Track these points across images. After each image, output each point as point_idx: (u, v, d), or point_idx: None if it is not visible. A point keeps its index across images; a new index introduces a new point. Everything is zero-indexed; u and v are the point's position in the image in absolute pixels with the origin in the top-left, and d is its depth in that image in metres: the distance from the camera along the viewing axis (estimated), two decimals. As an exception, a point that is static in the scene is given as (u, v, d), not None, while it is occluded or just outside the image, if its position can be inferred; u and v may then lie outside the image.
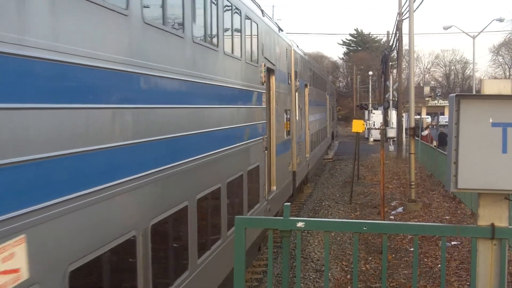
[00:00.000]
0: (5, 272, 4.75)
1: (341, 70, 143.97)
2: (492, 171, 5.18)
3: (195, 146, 10.11)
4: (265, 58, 17.48)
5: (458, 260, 16.48)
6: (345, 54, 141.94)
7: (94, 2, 6.34)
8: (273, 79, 18.97)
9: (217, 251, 11.54)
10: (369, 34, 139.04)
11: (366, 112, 74.22)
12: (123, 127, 7.22)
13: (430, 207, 24.43)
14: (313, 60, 42.94)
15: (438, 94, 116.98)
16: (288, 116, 22.84)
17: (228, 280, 11.26)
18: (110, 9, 6.75)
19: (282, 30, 22.62)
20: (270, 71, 18.47)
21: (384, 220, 20.12)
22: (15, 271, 4.91)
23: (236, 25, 13.79)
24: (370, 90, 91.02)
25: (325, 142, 48.47)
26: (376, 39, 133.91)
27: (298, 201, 27.36)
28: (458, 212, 22.96)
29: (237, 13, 13.75)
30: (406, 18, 32.57)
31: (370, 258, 17.54)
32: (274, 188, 19.15)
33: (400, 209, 24.49)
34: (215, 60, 11.84)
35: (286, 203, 5.66)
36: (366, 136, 68.99)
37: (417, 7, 30.23)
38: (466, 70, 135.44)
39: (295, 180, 24.80)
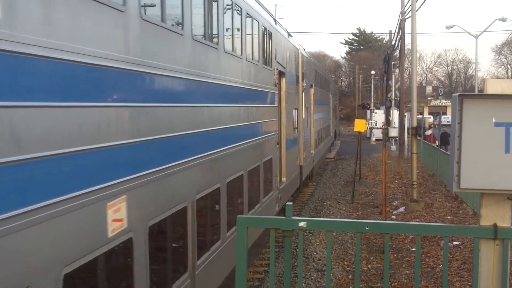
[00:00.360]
0: (115, 220, 6.76)
1: (343, 69, 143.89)
2: (495, 171, 5.17)
3: (223, 138, 12.29)
4: (277, 62, 19.59)
5: (460, 260, 16.46)
6: (347, 53, 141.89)
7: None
8: (283, 81, 20.95)
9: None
10: (372, 33, 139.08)
11: (368, 111, 74.23)
12: (199, 120, 10.38)
13: (432, 207, 24.41)
14: (316, 59, 43.43)
15: (440, 94, 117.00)
16: (296, 114, 24.64)
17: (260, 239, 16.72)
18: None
19: (291, 36, 25.26)
20: (281, 74, 20.44)
21: (385, 220, 20.10)
22: (120, 220, 6.95)
23: (255, 34, 16.01)
24: (372, 89, 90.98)
25: (328, 140, 50.13)
26: (378, 38, 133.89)
27: (300, 201, 27.36)
28: (460, 212, 22.95)
29: (256, 23, 15.93)
30: (409, 17, 32.56)
31: (372, 258, 17.53)
32: (284, 179, 21.20)
33: (402, 209, 24.47)
34: (241, 66, 14.23)
35: (288, 203, 5.65)
36: (368, 135, 68.98)
37: (420, 7, 30.30)
38: (469, 70, 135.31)
39: (301, 174, 26.72)
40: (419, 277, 5.69)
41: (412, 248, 18.05)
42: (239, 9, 13.77)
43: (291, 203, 5.69)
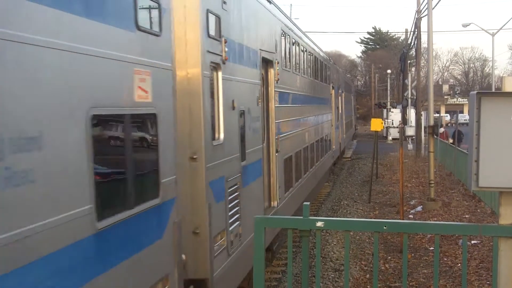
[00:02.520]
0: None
1: (359, 68, 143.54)
2: (514, 169, 5.13)
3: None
4: (332, 82, 34.45)
5: (478, 259, 16.37)
6: (363, 52, 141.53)
7: None
8: (333, 92, 35.30)
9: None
10: (387, 32, 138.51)
11: (385, 110, 73.94)
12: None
13: (450, 205, 24.28)
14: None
15: (457, 92, 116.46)
16: (338, 109, 39.53)
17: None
18: None
19: (331, 61, 35.84)
20: (334, 88, 35.61)
21: (403, 219, 20.02)
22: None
23: (325, 66, 29.67)
24: (388, 88, 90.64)
25: (352, 130, 65.31)
26: (394, 37, 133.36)
27: (317, 200, 27.31)
28: (478, 210, 22.81)
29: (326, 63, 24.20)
30: (425, 15, 32.41)
31: (389, 257, 17.46)
32: (333, 147, 35.08)
33: (419, 208, 24.37)
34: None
35: (305, 203, 5.64)
36: (384, 134, 68.71)
37: (436, 5, 30.31)
38: (485, 68, 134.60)
39: (340, 147, 41.78)
40: (438, 276, 5.66)
41: (430, 247, 17.96)
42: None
43: (308, 203, 5.67)
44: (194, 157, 8.92)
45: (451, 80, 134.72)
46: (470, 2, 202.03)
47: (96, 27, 5.87)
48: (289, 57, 18.57)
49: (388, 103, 75.74)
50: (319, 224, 5.44)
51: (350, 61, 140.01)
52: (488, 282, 14.05)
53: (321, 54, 30.27)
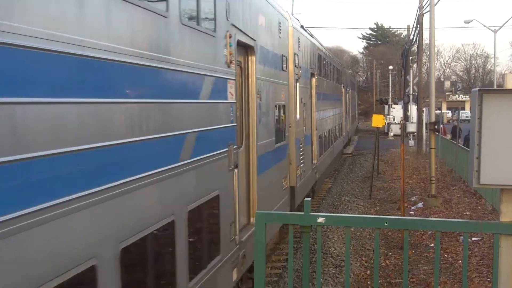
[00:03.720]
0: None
1: (361, 64, 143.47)
2: (515, 166, 5.13)
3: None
4: (343, 83, 41.84)
5: (479, 256, 16.38)
6: (365, 48, 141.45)
7: None
8: (343, 90, 42.37)
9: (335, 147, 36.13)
10: (389, 28, 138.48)
11: (386, 106, 73.94)
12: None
13: (451, 202, 24.30)
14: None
15: (458, 89, 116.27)
16: (346, 105, 47.30)
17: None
18: None
19: (344, 66, 40.10)
20: (344, 88, 41.92)
21: (404, 216, 20.02)
22: None
23: (339, 72, 40.05)
24: (390, 84, 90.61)
25: (355, 123, 74.26)
26: (396, 33, 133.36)
27: (318, 196, 27.32)
28: (479, 207, 22.82)
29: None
30: (427, 12, 32.38)
31: (390, 253, 17.48)
32: (343, 133, 44.03)
33: (420, 205, 24.37)
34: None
35: (306, 198, 5.64)
36: (386, 131, 68.72)
37: (438, 1, 30.22)
38: (487, 65, 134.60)
39: (348, 135, 50.68)
40: (438, 273, 5.66)
41: (430, 243, 17.98)
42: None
43: (309, 198, 5.67)
44: (290, 126, 18.13)
45: (453, 77, 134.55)
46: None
47: (280, 72, 16.29)
48: (321, 70, 28.78)
49: (390, 99, 75.75)
50: (320, 220, 5.44)
51: (351, 57, 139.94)
52: (488, 279, 14.06)
53: (337, 61, 44.40)
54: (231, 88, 10.76)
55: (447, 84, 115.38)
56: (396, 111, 69.52)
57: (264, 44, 13.92)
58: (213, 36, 9.61)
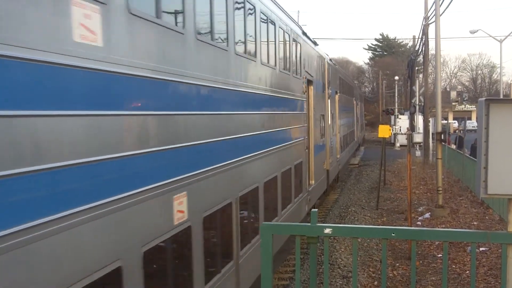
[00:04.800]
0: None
1: (366, 75, 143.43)
2: (523, 176, 5.10)
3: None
4: (354, 96, 47.20)
5: (487, 266, 16.31)
6: (370, 59, 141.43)
7: None
8: (354, 103, 47.60)
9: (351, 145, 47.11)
10: (395, 38, 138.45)
11: (392, 117, 73.86)
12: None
13: (458, 212, 24.22)
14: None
15: (465, 99, 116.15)
16: (357, 115, 53.67)
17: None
18: None
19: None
20: (355, 100, 44.13)
21: (411, 226, 19.96)
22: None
23: (352, 88, 45.98)
24: (396, 95, 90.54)
25: (363, 131, 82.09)
26: (401, 43, 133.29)
27: (324, 207, 27.29)
28: (486, 217, 22.74)
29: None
30: (432, 22, 32.39)
31: (398, 264, 17.42)
32: (355, 138, 52.30)
33: (427, 215, 24.30)
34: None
35: (313, 210, 5.62)
36: (392, 141, 68.62)
37: (443, 11, 30.28)
38: (493, 74, 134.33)
39: (359, 140, 58.28)
40: (446, 284, 5.63)
41: (438, 254, 17.91)
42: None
43: (316, 209, 5.66)
44: (326, 129, 24.69)
45: (459, 87, 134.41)
46: (478, 8, 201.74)
47: (322, 93, 26.41)
48: (341, 88, 37.30)
49: (396, 110, 75.65)
50: (327, 231, 5.42)
51: (357, 67, 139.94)
52: (496, 290, 14.00)
53: (350, 79, 54.73)
54: (305, 105, 20.43)
55: (453, 94, 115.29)
56: (402, 122, 69.46)
57: (315, 77, 23.60)
58: (299, 79, 19.40)
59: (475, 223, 21.92)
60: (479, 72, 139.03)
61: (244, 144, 11.96)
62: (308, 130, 21.47)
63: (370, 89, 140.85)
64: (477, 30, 57.72)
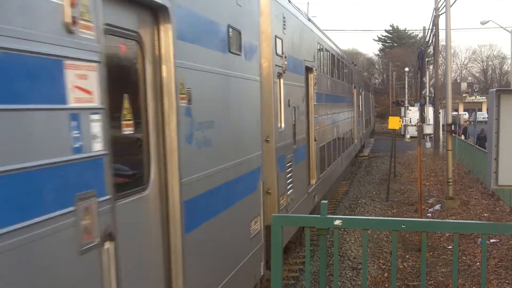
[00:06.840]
0: None
1: (376, 66, 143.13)
2: (534, 167, 5.08)
3: None
4: (370, 91, 56.64)
5: (497, 258, 16.26)
6: (380, 50, 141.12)
7: None
8: (364, 96, 47.43)
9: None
10: (405, 30, 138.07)
11: (403, 108, 73.65)
12: None
13: (468, 204, 24.14)
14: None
15: (475, 90, 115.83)
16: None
17: None
18: None
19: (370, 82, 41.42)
20: (370, 93, 57.89)
21: (421, 218, 19.92)
22: None
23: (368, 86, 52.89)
24: (406, 86, 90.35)
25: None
26: (412, 35, 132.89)
27: (334, 199, 27.27)
28: (497, 209, 22.66)
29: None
30: (443, 13, 32.27)
31: (408, 256, 17.39)
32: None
33: (437, 207, 24.24)
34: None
35: (323, 201, 5.62)
36: (402, 133, 68.44)
37: (454, 2, 30.10)
38: (504, 65, 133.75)
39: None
40: (457, 275, 5.63)
41: (448, 246, 17.87)
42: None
43: (325, 201, 5.65)
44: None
45: (470, 78, 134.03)
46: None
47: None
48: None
49: (406, 101, 75.46)
50: (337, 222, 5.42)
51: (367, 59, 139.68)
52: (507, 281, 13.96)
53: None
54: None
55: (464, 85, 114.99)
56: (413, 113, 69.26)
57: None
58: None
59: (485, 214, 21.85)
60: (490, 63, 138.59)
61: None
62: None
63: (380, 80, 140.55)
64: (488, 21, 57.53)
